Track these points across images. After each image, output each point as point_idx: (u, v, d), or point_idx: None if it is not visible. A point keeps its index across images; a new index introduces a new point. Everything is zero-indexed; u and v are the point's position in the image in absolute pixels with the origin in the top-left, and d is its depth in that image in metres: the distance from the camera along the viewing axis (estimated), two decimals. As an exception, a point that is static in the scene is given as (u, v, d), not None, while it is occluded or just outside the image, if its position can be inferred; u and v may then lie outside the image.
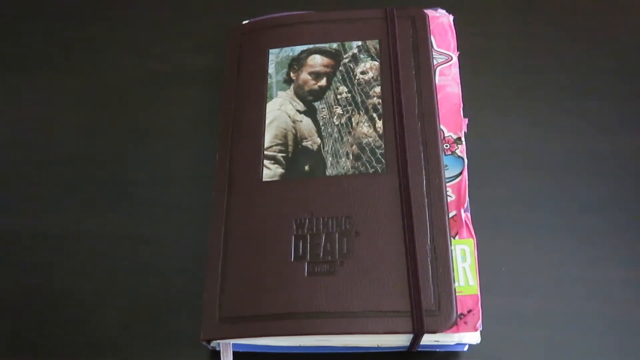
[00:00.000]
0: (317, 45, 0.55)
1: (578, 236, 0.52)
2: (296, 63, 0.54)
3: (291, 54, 0.55)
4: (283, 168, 0.50)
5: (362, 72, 0.53)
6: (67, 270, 0.52)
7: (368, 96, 0.52)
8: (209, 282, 0.46)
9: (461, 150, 0.50)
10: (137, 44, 0.63)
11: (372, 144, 0.50)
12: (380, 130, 0.50)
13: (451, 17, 0.57)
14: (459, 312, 0.45)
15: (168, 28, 0.63)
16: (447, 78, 0.53)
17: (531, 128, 0.57)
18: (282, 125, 0.52)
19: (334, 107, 0.52)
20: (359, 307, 0.44)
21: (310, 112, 0.52)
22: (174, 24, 0.64)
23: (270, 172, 0.50)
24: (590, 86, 0.59)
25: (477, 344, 0.45)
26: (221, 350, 0.46)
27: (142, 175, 0.56)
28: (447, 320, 0.43)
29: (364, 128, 0.51)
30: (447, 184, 0.49)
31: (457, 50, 0.55)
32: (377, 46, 0.54)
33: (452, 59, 0.54)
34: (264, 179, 0.49)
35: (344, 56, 0.54)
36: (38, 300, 0.51)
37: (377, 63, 0.53)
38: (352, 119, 0.51)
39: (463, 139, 0.51)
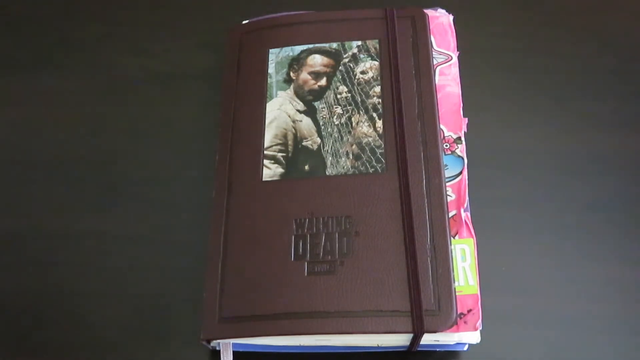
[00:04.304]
0: (317, 45, 0.55)
1: (578, 236, 0.52)
2: (296, 63, 0.54)
3: (291, 53, 0.55)
4: (283, 168, 0.50)
5: (362, 72, 0.53)
6: (67, 270, 0.52)
7: (368, 96, 0.52)
8: (209, 282, 0.46)
9: (461, 149, 0.50)
10: (137, 44, 0.63)
11: (372, 144, 0.50)
12: (380, 130, 0.50)
13: (451, 17, 0.57)
14: (458, 312, 0.45)
15: (168, 28, 0.63)
16: (447, 78, 0.53)
17: (531, 128, 0.57)
18: (282, 125, 0.52)
19: (334, 106, 0.52)
20: (358, 306, 0.44)
21: (310, 111, 0.52)
22: (174, 24, 0.64)
23: (270, 171, 0.50)
24: (590, 86, 0.59)
25: (477, 344, 0.45)
26: (221, 350, 0.46)
27: (142, 175, 0.56)
28: (447, 319, 0.43)
29: (364, 128, 0.51)
30: (447, 184, 0.49)
31: (457, 50, 0.55)
32: (377, 46, 0.54)
33: (452, 58, 0.54)
34: (264, 179, 0.49)
35: (344, 56, 0.54)
36: (38, 300, 0.51)
37: (377, 63, 0.53)
38: (352, 118, 0.51)
39: (463, 138, 0.51)
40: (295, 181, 0.49)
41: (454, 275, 0.45)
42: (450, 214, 0.48)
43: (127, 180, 0.56)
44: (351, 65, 0.54)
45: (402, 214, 0.47)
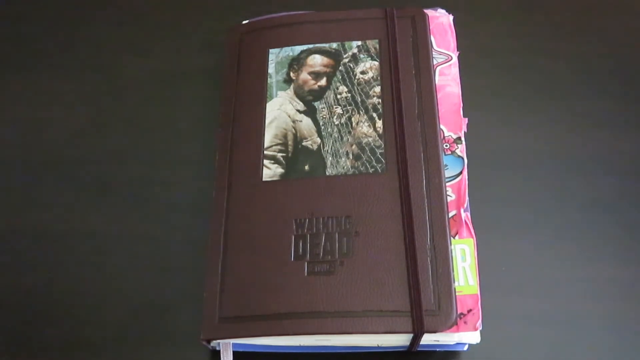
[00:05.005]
0: (317, 45, 0.55)
1: (578, 236, 0.52)
2: (296, 63, 0.54)
3: (291, 53, 0.55)
4: (283, 168, 0.50)
5: (362, 72, 0.53)
6: (67, 270, 0.52)
7: (368, 96, 0.52)
8: (209, 282, 0.46)
9: (461, 149, 0.50)
10: (137, 44, 0.63)
11: (372, 144, 0.50)
12: (380, 130, 0.50)
13: (451, 17, 0.57)
14: (458, 312, 0.45)
15: (168, 28, 0.63)
16: (447, 78, 0.53)
17: (531, 128, 0.57)
18: (282, 125, 0.52)
19: (334, 106, 0.52)
20: (359, 306, 0.44)
21: (310, 111, 0.52)
22: (174, 24, 0.64)
23: (270, 171, 0.50)
24: (591, 86, 0.59)
25: (477, 344, 0.45)
26: (221, 350, 0.46)
27: (142, 175, 0.56)
28: (447, 319, 0.43)
29: (364, 128, 0.51)
30: (447, 184, 0.49)
31: (457, 50, 0.55)
32: (377, 46, 0.54)
33: (452, 58, 0.54)
34: (264, 179, 0.49)
35: (344, 56, 0.54)
36: (38, 300, 0.51)
37: (377, 63, 0.53)
38: (352, 118, 0.51)
39: (463, 138, 0.51)
40: (295, 181, 0.49)
41: (454, 275, 0.45)
42: (450, 214, 0.48)
43: (126, 180, 0.56)
44: (351, 65, 0.54)
45: (402, 214, 0.47)
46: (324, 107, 0.52)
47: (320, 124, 0.52)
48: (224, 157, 0.51)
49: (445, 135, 0.51)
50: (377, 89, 0.52)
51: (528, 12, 0.63)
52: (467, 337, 0.45)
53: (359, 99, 0.52)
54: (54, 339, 0.50)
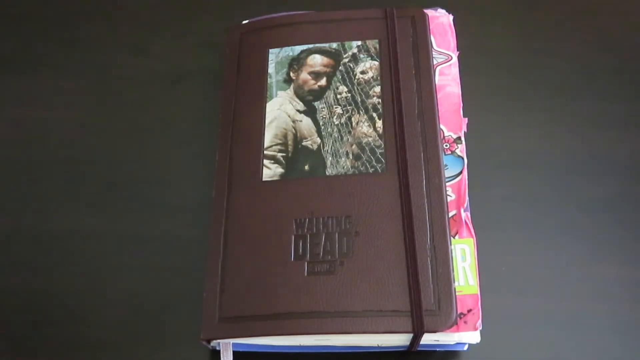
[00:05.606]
0: (317, 45, 0.55)
1: (578, 236, 0.52)
2: (296, 63, 0.54)
3: (291, 53, 0.55)
4: (283, 168, 0.50)
5: (362, 72, 0.53)
6: (67, 269, 0.52)
7: (368, 96, 0.52)
8: (209, 282, 0.46)
9: (461, 149, 0.50)
10: (137, 44, 0.63)
11: (372, 144, 0.50)
12: (380, 130, 0.50)
13: (451, 17, 0.57)
14: (458, 312, 0.45)
15: (168, 28, 0.63)
16: (447, 78, 0.53)
17: (530, 128, 0.57)
18: (282, 125, 0.52)
19: (334, 106, 0.52)
20: (359, 306, 0.44)
21: (310, 111, 0.52)
22: (174, 24, 0.64)
23: (270, 171, 0.50)
24: (590, 86, 0.59)
25: (477, 344, 0.45)
26: (221, 350, 0.46)
27: (142, 175, 0.56)
28: (447, 319, 0.43)
29: (364, 128, 0.51)
30: (447, 184, 0.49)
31: (457, 50, 0.55)
32: (377, 46, 0.54)
33: (452, 58, 0.54)
34: (264, 179, 0.49)
35: (344, 56, 0.54)
36: (38, 300, 0.51)
37: (376, 63, 0.53)
38: (352, 118, 0.51)
39: (463, 138, 0.51)
40: (295, 181, 0.49)
41: (454, 275, 0.45)
42: (450, 214, 0.48)
43: (126, 180, 0.56)
44: (351, 65, 0.54)
45: (402, 214, 0.47)
46: (324, 107, 0.52)
47: (320, 124, 0.52)
48: (224, 157, 0.51)
49: (445, 135, 0.51)
50: (377, 89, 0.52)
51: (528, 12, 0.63)
52: (467, 337, 0.45)
53: (359, 99, 0.52)
54: (52, 339, 0.50)
